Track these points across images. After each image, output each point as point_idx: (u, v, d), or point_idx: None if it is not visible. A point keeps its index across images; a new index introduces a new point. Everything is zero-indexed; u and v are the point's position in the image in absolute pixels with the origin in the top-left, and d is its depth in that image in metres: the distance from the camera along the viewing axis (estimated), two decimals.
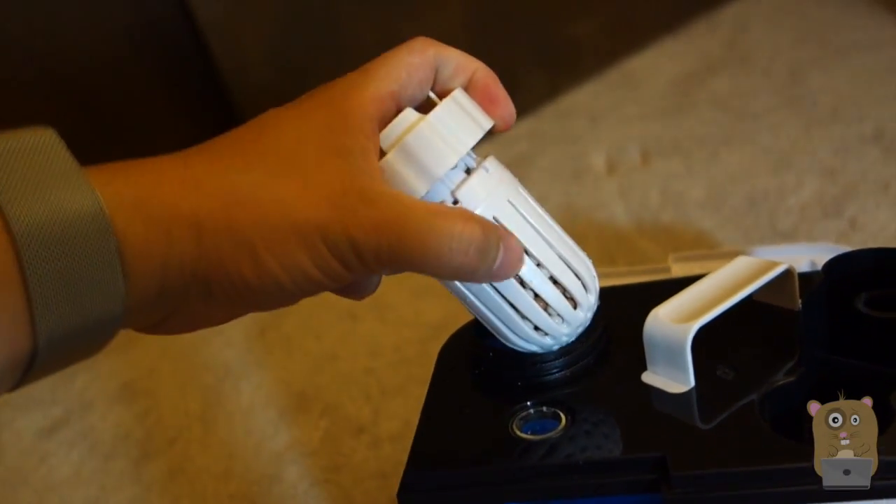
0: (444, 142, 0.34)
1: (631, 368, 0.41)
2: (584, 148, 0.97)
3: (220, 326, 0.90)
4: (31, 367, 0.26)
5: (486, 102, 0.37)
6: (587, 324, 0.41)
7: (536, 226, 0.38)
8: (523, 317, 0.38)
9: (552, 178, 0.92)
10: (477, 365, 0.44)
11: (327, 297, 0.83)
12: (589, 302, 0.40)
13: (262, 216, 0.30)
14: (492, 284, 0.37)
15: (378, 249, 0.31)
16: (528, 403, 0.40)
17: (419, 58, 0.35)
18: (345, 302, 0.80)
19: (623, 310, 0.44)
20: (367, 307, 0.79)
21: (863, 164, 0.80)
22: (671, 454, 0.35)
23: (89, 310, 0.26)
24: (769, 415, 0.37)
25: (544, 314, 0.38)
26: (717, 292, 0.41)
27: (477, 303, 0.38)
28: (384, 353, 0.73)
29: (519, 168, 0.96)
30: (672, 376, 0.39)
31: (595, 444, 0.37)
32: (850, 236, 0.73)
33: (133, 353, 0.81)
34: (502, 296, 0.38)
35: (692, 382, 0.39)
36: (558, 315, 0.39)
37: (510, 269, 0.35)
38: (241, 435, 0.67)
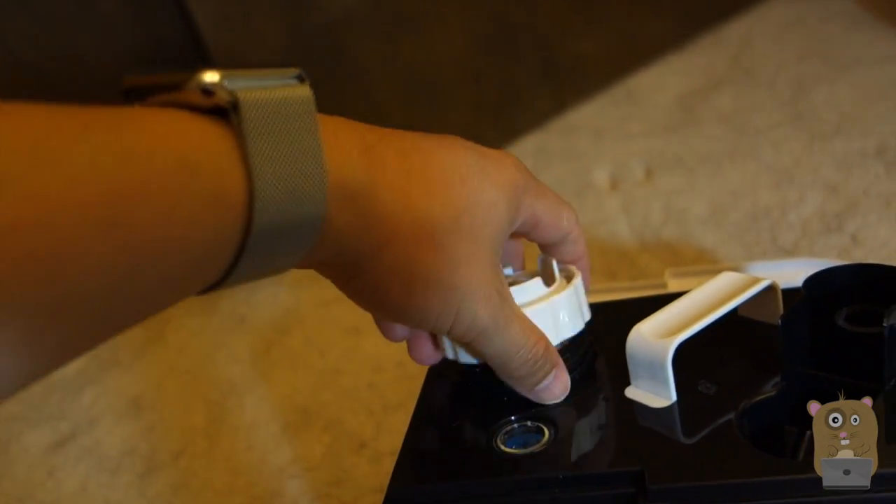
0: (555, 324, 0.42)
1: (615, 383, 0.41)
2: (588, 164, 0.98)
3: (226, 341, 0.90)
4: (248, 234, 0.27)
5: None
6: None
7: None
8: None
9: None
10: (465, 380, 0.45)
11: (331, 313, 0.83)
12: None
13: (432, 266, 0.35)
14: None
15: (483, 332, 0.37)
16: (513, 418, 0.40)
17: (558, 232, 0.42)
18: (349, 318, 0.81)
19: (612, 325, 0.44)
20: (371, 323, 0.80)
21: (865, 180, 0.80)
22: (650, 468, 0.35)
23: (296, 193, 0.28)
24: (749, 429, 0.38)
25: None
26: (701, 308, 0.41)
27: None
28: (387, 369, 0.73)
29: None
30: (654, 391, 0.40)
31: (576, 459, 0.37)
32: (851, 252, 0.72)
33: (139, 368, 0.82)
34: None
35: (674, 397, 0.39)
36: None
37: (551, 395, 0.41)
38: (244, 450, 0.68)
